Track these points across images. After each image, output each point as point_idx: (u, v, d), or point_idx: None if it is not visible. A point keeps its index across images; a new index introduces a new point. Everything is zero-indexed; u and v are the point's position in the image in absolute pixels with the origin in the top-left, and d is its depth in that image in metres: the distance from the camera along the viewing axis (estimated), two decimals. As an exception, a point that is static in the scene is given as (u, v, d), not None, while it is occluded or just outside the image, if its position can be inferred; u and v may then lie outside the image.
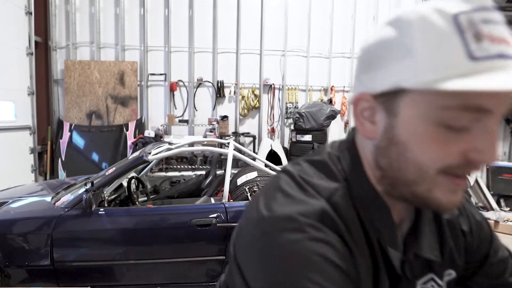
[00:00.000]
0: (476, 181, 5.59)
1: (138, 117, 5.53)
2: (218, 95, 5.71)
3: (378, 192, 0.50)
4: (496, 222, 4.75)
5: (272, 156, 5.05)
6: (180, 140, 4.41)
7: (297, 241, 0.42)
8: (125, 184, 2.97)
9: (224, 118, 5.63)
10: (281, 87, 5.87)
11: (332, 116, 5.38)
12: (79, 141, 5.30)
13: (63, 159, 5.24)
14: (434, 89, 0.38)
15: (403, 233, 0.54)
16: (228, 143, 2.94)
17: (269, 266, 0.43)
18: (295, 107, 5.85)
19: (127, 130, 5.41)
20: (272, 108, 5.88)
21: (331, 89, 5.92)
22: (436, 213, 0.58)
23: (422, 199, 0.46)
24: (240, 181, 2.85)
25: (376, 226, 0.49)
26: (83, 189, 2.42)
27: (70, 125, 5.31)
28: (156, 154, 2.65)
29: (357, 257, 0.46)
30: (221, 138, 5.33)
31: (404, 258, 0.52)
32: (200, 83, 5.71)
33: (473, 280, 0.64)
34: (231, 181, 2.93)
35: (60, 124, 5.38)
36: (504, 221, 4.75)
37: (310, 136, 5.32)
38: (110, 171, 2.64)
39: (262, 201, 0.48)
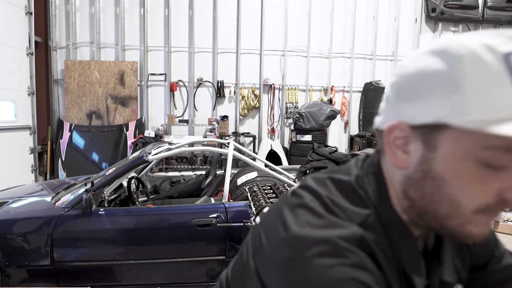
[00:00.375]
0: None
1: (138, 117, 5.54)
2: (218, 95, 5.71)
3: (403, 221, 0.49)
4: (496, 222, 4.75)
5: (272, 156, 5.05)
6: (180, 140, 4.42)
7: (335, 266, 0.41)
8: (125, 184, 2.97)
9: (224, 118, 5.63)
10: (281, 87, 5.87)
11: (332, 116, 5.38)
12: (79, 141, 5.30)
13: (63, 159, 5.24)
14: (483, 131, 0.37)
15: (421, 248, 0.54)
16: (228, 143, 2.94)
17: None
18: (295, 107, 5.85)
19: (127, 130, 5.41)
20: (272, 108, 5.88)
21: (331, 89, 5.92)
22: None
23: (452, 232, 0.46)
24: (240, 181, 2.85)
25: (401, 254, 0.48)
26: (83, 189, 2.42)
27: (70, 125, 5.31)
28: (156, 154, 2.65)
29: (392, 285, 0.45)
30: (221, 138, 5.33)
31: (427, 283, 0.50)
32: (200, 83, 5.71)
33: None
34: (231, 181, 2.93)
35: (60, 124, 5.38)
36: (504, 221, 4.75)
37: (310, 136, 5.32)
38: (110, 171, 2.64)
39: (290, 218, 0.46)
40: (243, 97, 5.75)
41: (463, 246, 0.60)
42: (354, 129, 6.17)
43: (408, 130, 0.45)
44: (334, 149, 3.10)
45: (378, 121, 0.52)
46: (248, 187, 2.28)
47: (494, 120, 0.37)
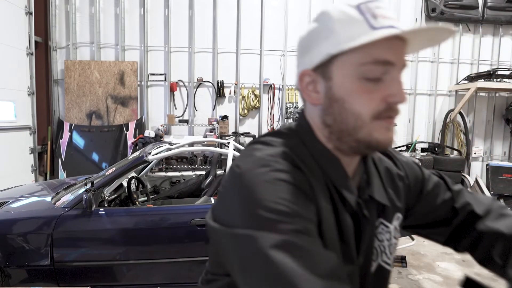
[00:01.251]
0: (476, 181, 5.59)
1: (138, 117, 5.54)
2: (218, 95, 5.71)
3: (328, 148, 0.62)
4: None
5: (272, 156, 5.05)
6: (180, 140, 4.42)
7: (264, 173, 0.53)
8: (125, 184, 2.97)
9: (224, 118, 5.63)
10: (281, 87, 5.87)
11: (332, 116, 5.39)
12: (79, 141, 5.30)
13: (63, 159, 5.24)
14: (349, 47, 0.53)
15: (357, 183, 0.66)
16: (228, 143, 2.94)
17: (245, 196, 0.53)
18: (295, 107, 5.85)
19: (127, 130, 5.41)
20: (272, 108, 5.88)
21: (331, 89, 5.92)
22: (376, 165, 0.70)
23: (365, 143, 0.59)
24: (240, 181, 2.85)
25: (330, 173, 0.61)
26: (83, 189, 2.42)
27: (70, 125, 5.31)
28: (156, 154, 2.65)
29: (317, 192, 0.57)
30: (221, 138, 5.33)
31: (359, 200, 0.63)
32: (200, 83, 5.70)
33: (414, 210, 0.75)
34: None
35: (60, 124, 5.38)
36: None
37: (310, 136, 5.32)
38: (110, 171, 2.64)
39: (236, 163, 0.59)
40: (243, 97, 5.75)
41: (395, 177, 0.72)
42: (354, 129, 6.17)
43: (312, 74, 0.60)
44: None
45: (295, 81, 0.66)
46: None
47: (355, 41, 0.53)
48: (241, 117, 5.84)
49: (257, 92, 5.77)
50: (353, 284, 0.60)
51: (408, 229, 0.80)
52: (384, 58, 0.55)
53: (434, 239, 0.80)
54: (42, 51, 5.34)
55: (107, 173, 2.61)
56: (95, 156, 5.30)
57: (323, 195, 0.58)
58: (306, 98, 0.63)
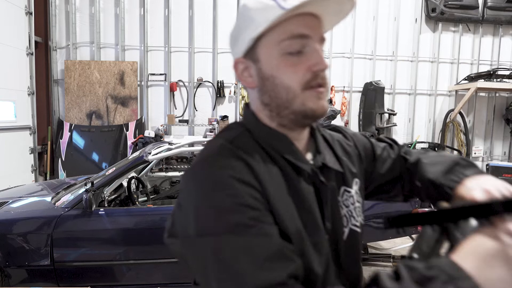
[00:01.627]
0: (476, 181, 5.58)
1: (138, 117, 5.54)
2: (218, 95, 5.71)
3: (272, 127, 0.67)
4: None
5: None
6: (180, 140, 4.41)
7: (205, 175, 0.58)
8: (125, 184, 2.97)
9: (224, 118, 5.63)
10: (281, 87, 5.86)
11: (332, 116, 5.38)
12: (79, 141, 5.30)
13: (63, 159, 5.24)
14: (265, 28, 0.60)
15: (311, 156, 0.70)
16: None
17: (190, 202, 0.58)
18: (295, 107, 5.85)
19: (127, 130, 5.41)
20: (272, 108, 5.88)
21: (331, 89, 5.92)
22: (326, 139, 0.76)
23: (301, 112, 0.63)
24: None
25: (278, 149, 0.65)
26: (83, 189, 2.42)
27: (70, 125, 5.31)
28: (156, 154, 2.65)
29: (262, 172, 0.59)
30: (221, 138, 5.32)
31: (314, 168, 0.67)
32: (200, 83, 5.70)
33: (373, 175, 0.82)
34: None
35: (60, 124, 5.38)
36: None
37: (310, 136, 5.32)
38: (110, 171, 2.64)
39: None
40: (243, 97, 5.75)
41: (346, 146, 0.78)
42: (354, 129, 6.16)
43: (244, 60, 0.67)
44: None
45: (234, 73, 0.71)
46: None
47: (268, 22, 0.59)
48: (241, 117, 5.82)
49: (257, 92, 5.77)
50: (322, 251, 0.63)
51: (372, 196, 0.86)
52: (299, 32, 0.61)
53: (396, 201, 0.88)
54: (42, 51, 5.34)
55: (107, 173, 2.61)
56: (95, 156, 5.30)
57: (271, 173, 0.61)
58: (244, 84, 0.69)
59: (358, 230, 0.71)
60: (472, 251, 0.47)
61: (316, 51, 0.62)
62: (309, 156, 0.70)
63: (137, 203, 2.91)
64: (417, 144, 5.85)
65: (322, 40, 0.65)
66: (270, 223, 0.55)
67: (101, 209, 2.36)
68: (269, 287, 0.48)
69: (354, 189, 0.74)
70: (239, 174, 0.57)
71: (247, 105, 0.72)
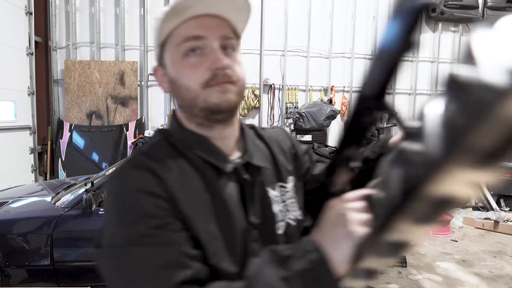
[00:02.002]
0: (476, 181, 5.58)
1: (138, 117, 5.53)
2: (218, 95, 5.70)
3: (191, 130, 0.69)
4: (496, 222, 4.75)
5: (272, 156, 5.05)
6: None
7: (116, 189, 0.61)
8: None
9: (224, 118, 5.63)
10: (281, 87, 5.87)
11: (332, 116, 5.38)
12: (79, 141, 5.30)
13: (63, 159, 5.24)
14: (164, 35, 0.67)
15: (238, 155, 0.71)
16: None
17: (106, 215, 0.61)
18: (295, 107, 5.85)
19: (127, 130, 5.41)
20: (272, 108, 5.88)
21: (331, 89, 5.92)
22: (263, 137, 0.79)
23: (207, 108, 0.65)
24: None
25: (197, 151, 0.66)
26: (83, 189, 2.42)
27: (70, 125, 5.31)
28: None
29: (169, 180, 0.60)
30: (221, 138, 5.33)
31: (238, 165, 0.67)
32: (200, 83, 5.70)
33: (307, 174, 0.84)
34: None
35: (60, 124, 5.38)
36: (504, 221, 4.74)
37: (310, 136, 5.32)
38: (110, 171, 2.64)
39: None
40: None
41: (281, 144, 0.81)
42: (354, 129, 6.17)
43: (159, 67, 0.71)
44: (334, 149, 3.10)
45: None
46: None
47: (163, 36, 0.67)
48: (241, 117, 5.83)
49: (257, 92, 5.77)
50: (236, 250, 0.63)
51: (309, 196, 0.86)
52: (193, 34, 0.64)
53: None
54: (42, 51, 5.34)
55: (107, 173, 2.61)
56: (95, 156, 5.30)
57: (186, 178, 0.62)
58: (163, 90, 0.73)
59: (294, 223, 0.73)
60: (323, 225, 0.54)
61: (213, 50, 0.64)
62: (237, 155, 0.71)
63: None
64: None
65: (222, 38, 0.66)
66: (174, 230, 0.56)
67: (101, 209, 2.36)
68: None
69: (290, 185, 0.76)
70: (144, 186, 0.58)
71: (174, 111, 0.75)
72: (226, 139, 0.70)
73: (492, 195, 5.49)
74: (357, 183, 0.61)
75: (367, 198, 0.51)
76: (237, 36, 0.74)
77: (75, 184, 2.93)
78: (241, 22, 0.72)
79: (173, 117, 0.73)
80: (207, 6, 0.64)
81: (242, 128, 0.76)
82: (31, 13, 4.82)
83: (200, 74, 0.64)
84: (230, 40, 0.68)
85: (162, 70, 0.71)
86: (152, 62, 5.58)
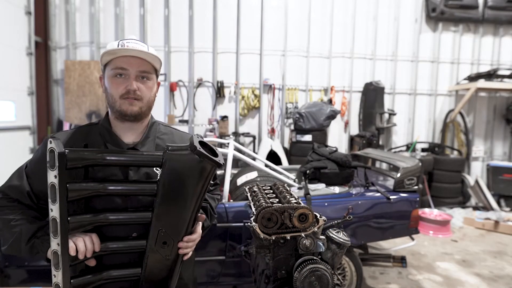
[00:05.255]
0: (476, 181, 5.59)
1: (138, 117, 5.52)
2: (218, 95, 5.71)
3: (110, 123, 1.20)
4: (497, 222, 4.75)
5: (272, 156, 5.05)
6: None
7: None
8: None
9: (224, 118, 5.63)
10: (281, 87, 5.87)
11: (332, 116, 5.38)
12: (79, 141, 5.29)
13: (63, 159, 5.23)
14: (105, 62, 1.17)
15: (132, 141, 1.21)
16: (228, 143, 2.94)
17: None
18: (295, 107, 5.85)
19: (127, 130, 5.40)
20: (272, 108, 5.88)
21: (331, 89, 5.92)
22: (157, 136, 1.26)
23: (119, 111, 1.14)
24: (240, 181, 2.85)
25: (107, 138, 1.18)
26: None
27: (70, 125, 5.31)
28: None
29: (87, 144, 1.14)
30: (221, 138, 5.33)
31: (126, 147, 1.19)
32: (200, 83, 5.71)
33: None
34: (231, 181, 2.93)
35: (60, 124, 5.38)
36: (504, 221, 4.74)
37: (310, 136, 5.32)
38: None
39: None
40: (243, 97, 5.75)
41: (174, 142, 1.27)
42: (354, 129, 6.17)
43: (102, 78, 1.19)
44: (334, 149, 3.10)
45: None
46: (248, 187, 2.28)
47: (104, 62, 1.17)
48: (241, 117, 5.84)
49: (257, 92, 5.77)
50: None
51: None
52: (121, 66, 1.13)
53: None
54: (42, 51, 5.34)
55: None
56: (95, 156, 5.29)
57: (94, 145, 1.16)
58: (102, 90, 1.19)
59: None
60: None
61: (130, 78, 1.13)
62: (132, 141, 1.21)
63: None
64: (417, 144, 5.86)
65: (142, 72, 1.15)
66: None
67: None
68: None
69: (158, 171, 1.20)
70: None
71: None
72: (132, 130, 1.20)
73: (493, 195, 5.49)
74: None
75: None
76: (156, 70, 1.22)
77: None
78: (156, 63, 1.21)
79: (107, 111, 1.22)
80: (132, 53, 1.13)
81: (151, 126, 1.25)
82: (31, 13, 4.81)
83: (120, 90, 1.13)
84: (146, 73, 1.17)
85: (103, 79, 1.19)
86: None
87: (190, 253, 1.17)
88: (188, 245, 1.11)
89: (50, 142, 0.94)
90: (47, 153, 0.94)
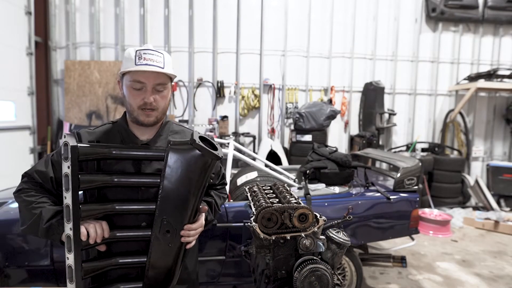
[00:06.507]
0: (476, 181, 5.59)
1: (138, 117, 5.52)
2: (218, 95, 5.71)
3: (127, 122, 1.33)
4: (497, 222, 4.75)
5: (272, 156, 5.05)
6: (180, 140, 4.40)
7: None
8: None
9: (224, 118, 5.63)
10: (281, 87, 5.87)
11: (332, 116, 5.38)
12: (79, 141, 5.28)
13: (63, 159, 5.23)
14: (123, 71, 1.25)
15: (145, 139, 1.33)
16: (228, 143, 2.94)
17: None
18: (295, 107, 5.85)
19: (127, 130, 5.40)
20: (272, 108, 5.88)
21: (331, 89, 5.92)
22: (169, 134, 1.38)
23: (136, 119, 1.26)
24: (240, 181, 2.85)
25: (123, 135, 1.31)
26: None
27: (70, 125, 5.31)
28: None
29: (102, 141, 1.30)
30: (221, 138, 5.33)
31: (140, 143, 1.32)
32: (200, 83, 5.71)
33: None
34: (231, 181, 2.93)
35: (60, 124, 5.38)
36: (504, 221, 4.74)
37: (310, 136, 5.32)
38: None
39: None
40: (243, 97, 5.75)
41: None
42: (354, 129, 6.17)
43: (121, 83, 1.30)
44: (334, 149, 3.10)
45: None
46: (248, 187, 2.28)
47: (125, 69, 1.24)
48: (241, 117, 5.84)
49: (257, 92, 5.77)
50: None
51: None
52: (137, 79, 1.21)
53: None
54: (42, 51, 5.34)
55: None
56: (95, 156, 5.29)
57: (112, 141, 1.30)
58: (121, 94, 1.29)
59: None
60: None
61: (147, 91, 1.23)
62: (146, 139, 1.33)
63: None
64: (417, 144, 5.86)
65: (158, 84, 1.24)
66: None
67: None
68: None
69: None
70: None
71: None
72: (147, 129, 1.32)
73: (493, 195, 5.49)
74: None
75: None
76: (171, 79, 1.30)
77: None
78: (171, 72, 1.27)
79: (124, 112, 1.36)
80: (150, 68, 1.20)
81: (164, 125, 1.37)
82: (31, 13, 4.81)
83: (138, 101, 1.23)
84: (162, 84, 1.25)
85: (121, 84, 1.29)
86: (152, 62, 5.57)
87: (193, 242, 1.24)
88: (190, 234, 1.19)
89: (65, 137, 1.06)
90: (61, 147, 1.07)
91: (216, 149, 1.17)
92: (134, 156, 1.19)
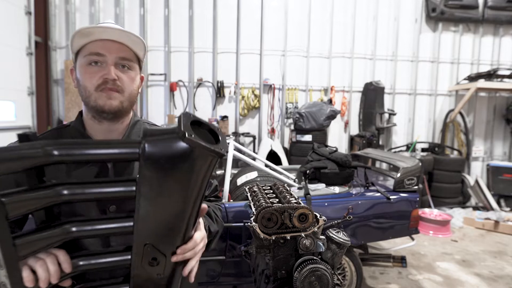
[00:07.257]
0: (476, 181, 5.59)
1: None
2: (218, 95, 5.71)
3: (84, 124, 1.00)
4: (497, 222, 4.75)
5: (272, 156, 5.05)
6: (180, 140, 4.40)
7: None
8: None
9: (224, 118, 5.63)
10: (281, 87, 5.86)
11: (332, 116, 5.38)
12: (79, 141, 5.29)
13: (63, 159, 5.23)
14: (77, 48, 0.95)
15: None
16: (228, 143, 2.94)
17: None
18: (295, 107, 5.85)
19: (127, 130, 5.40)
20: (272, 108, 5.88)
21: (331, 89, 5.92)
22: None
23: (95, 108, 0.93)
24: (240, 181, 2.85)
25: (73, 136, 0.99)
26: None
27: (70, 125, 5.31)
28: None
29: None
30: (221, 138, 5.31)
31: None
32: (200, 83, 5.71)
33: None
34: (231, 181, 2.93)
35: (60, 124, 5.37)
36: (504, 221, 4.74)
37: (310, 136, 5.32)
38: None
39: None
40: (243, 97, 5.75)
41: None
42: (354, 129, 6.17)
43: (74, 70, 0.98)
44: (334, 149, 3.10)
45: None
46: (248, 187, 2.28)
47: (76, 48, 0.95)
48: (241, 117, 5.84)
49: (257, 92, 5.77)
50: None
51: None
52: (95, 51, 0.91)
53: None
54: (42, 51, 5.34)
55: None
56: (95, 156, 5.29)
57: None
58: (74, 85, 0.99)
59: None
60: None
61: (108, 64, 0.92)
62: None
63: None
64: (417, 144, 5.86)
65: (123, 59, 0.94)
66: None
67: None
68: None
69: None
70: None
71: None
72: (111, 132, 1.01)
73: (493, 195, 5.50)
74: None
75: None
76: (139, 60, 1.01)
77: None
78: (140, 50, 0.98)
79: (80, 112, 1.03)
80: (110, 34, 0.91)
81: (133, 125, 1.11)
82: (31, 13, 4.81)
83: (96, 80, 0.91)
84: (128, 61, 0.96)
85: (74, 71, 0.98)
86: (152, 62, 5.60)
87: (196, 268, 0.89)
88: (185, 257, 0.80)
89: None
90: None
91: (217, 138, 0.75)
92: (90, 156, 0.73)
